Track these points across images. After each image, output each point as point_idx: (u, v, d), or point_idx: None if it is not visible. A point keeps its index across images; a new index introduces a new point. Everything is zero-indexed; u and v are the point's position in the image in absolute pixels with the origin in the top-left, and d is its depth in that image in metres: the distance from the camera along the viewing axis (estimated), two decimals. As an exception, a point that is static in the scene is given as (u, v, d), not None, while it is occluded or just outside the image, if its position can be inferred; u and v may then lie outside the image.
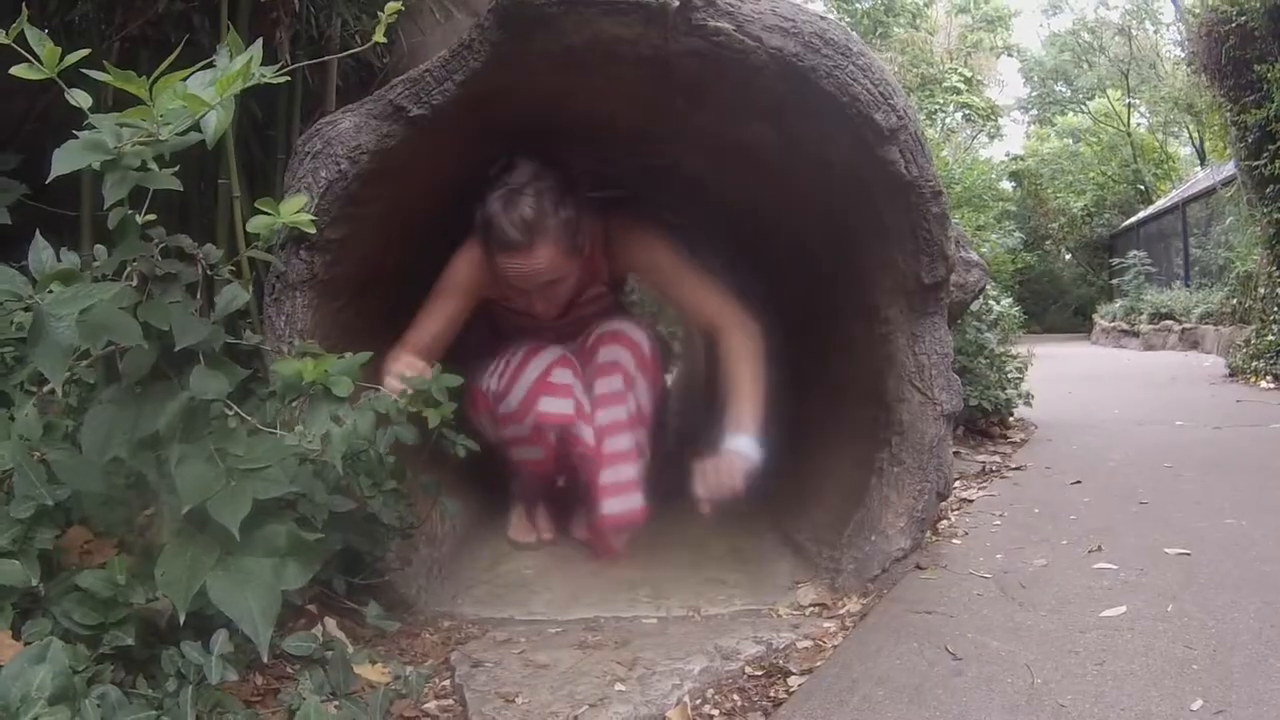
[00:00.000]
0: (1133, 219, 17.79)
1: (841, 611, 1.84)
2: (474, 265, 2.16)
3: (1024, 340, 5.62)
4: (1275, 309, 6.36)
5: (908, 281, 1.99)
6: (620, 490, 2.16)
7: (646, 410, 2.28)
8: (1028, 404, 4.29)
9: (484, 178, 2.08)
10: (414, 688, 1.51)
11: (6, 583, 1.24)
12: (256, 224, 1.69)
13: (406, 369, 1.82)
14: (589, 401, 2.22)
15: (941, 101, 22.08)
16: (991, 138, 25.73)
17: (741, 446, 2.09)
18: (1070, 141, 23.15)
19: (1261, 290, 6.89)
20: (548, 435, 2.20)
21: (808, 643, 1.68)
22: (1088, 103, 23.21)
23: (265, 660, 1.30)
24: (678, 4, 1.69)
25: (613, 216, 2.31)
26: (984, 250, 5.81)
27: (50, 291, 1.22)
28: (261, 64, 1.35)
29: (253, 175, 2.44)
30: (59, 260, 1.35)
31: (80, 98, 1.29)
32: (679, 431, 3.24)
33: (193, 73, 1.33)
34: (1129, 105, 20.58)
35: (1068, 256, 21.52)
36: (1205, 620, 1.63)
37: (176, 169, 1.35)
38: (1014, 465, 3.35)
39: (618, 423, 2.20)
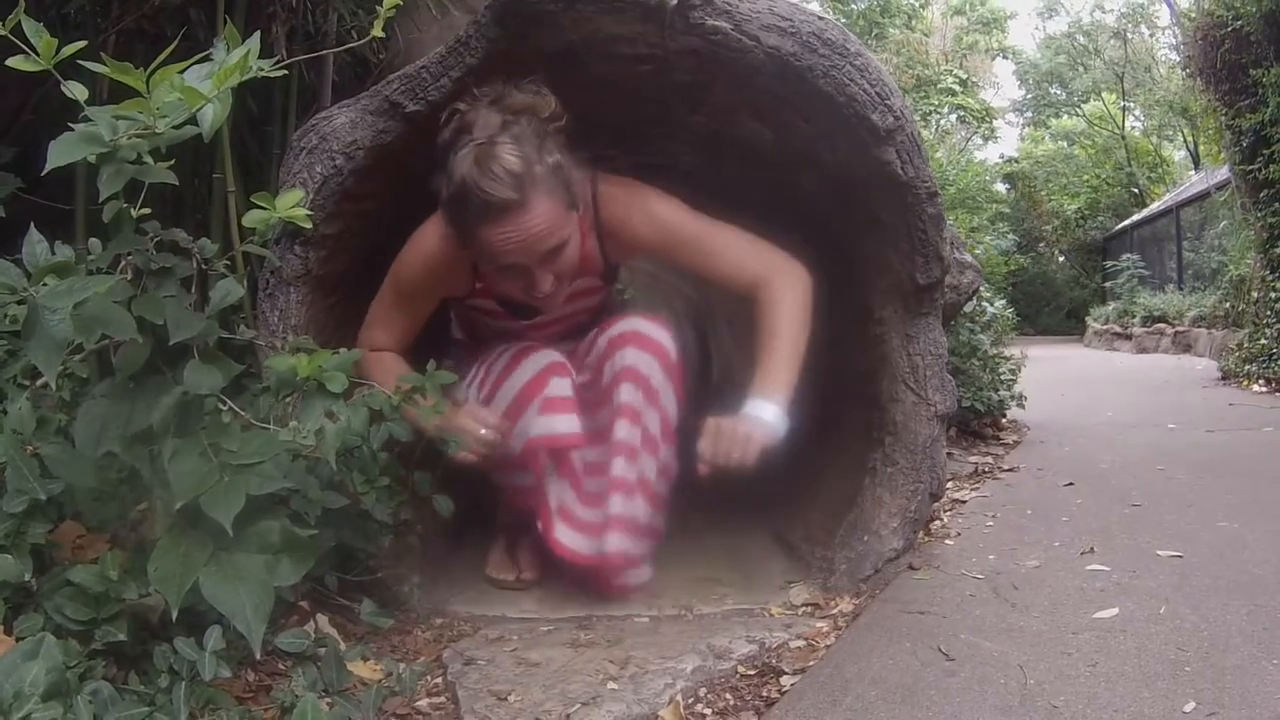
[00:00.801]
0: (1126, 222, 17.86)
1: (834, 611, 1.84)
2: (431, 261, 1.87)
3: (1017, 342, 5.63)
4: (1268, 313, 6.39)
5: (903, 282, 2.00)
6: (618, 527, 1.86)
7: (669, 426, 1.92)
8: (1021, 406, 4.29)
9: (436, 144, 1.73)
10: (406, 685, 1.50)
11: (-2, 577, 1.23)
12: (251, 218, 1.69)
13: (483, 426, 1.80)
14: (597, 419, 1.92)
15: (936, 103, 22.18)
16: (986, 140, 25.91)
17: (764, 414, 1.75)
18: (1064, 144, 23.27)
19: (1254, 294, 6.92)
20: (540, 459, 1.89)
21: (800, 642, 1.68)
22: (1082, 106, 23.31)
23: (258, 657, 1.31)
24: (675, 2, 1.69)
25: (598, 181, 1.89)
26: (978, 252, 5.81)
27: (44, 285, 1.22)
28: (258, 58, 1.35)
29: (248, 170, 2.43)
30: (53, 253, 1.34)
31: (76, 90, 1.28)
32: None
33: (189, 65, 1.33)
34: (1124, 108, 20.68)
35: (1061, 259, 21.59)
36: (1198, 622, 1.63)
37: (172, 163, 1.35)
38: (1007, 467, 3.35)
39: (629, 444, 1.86)
